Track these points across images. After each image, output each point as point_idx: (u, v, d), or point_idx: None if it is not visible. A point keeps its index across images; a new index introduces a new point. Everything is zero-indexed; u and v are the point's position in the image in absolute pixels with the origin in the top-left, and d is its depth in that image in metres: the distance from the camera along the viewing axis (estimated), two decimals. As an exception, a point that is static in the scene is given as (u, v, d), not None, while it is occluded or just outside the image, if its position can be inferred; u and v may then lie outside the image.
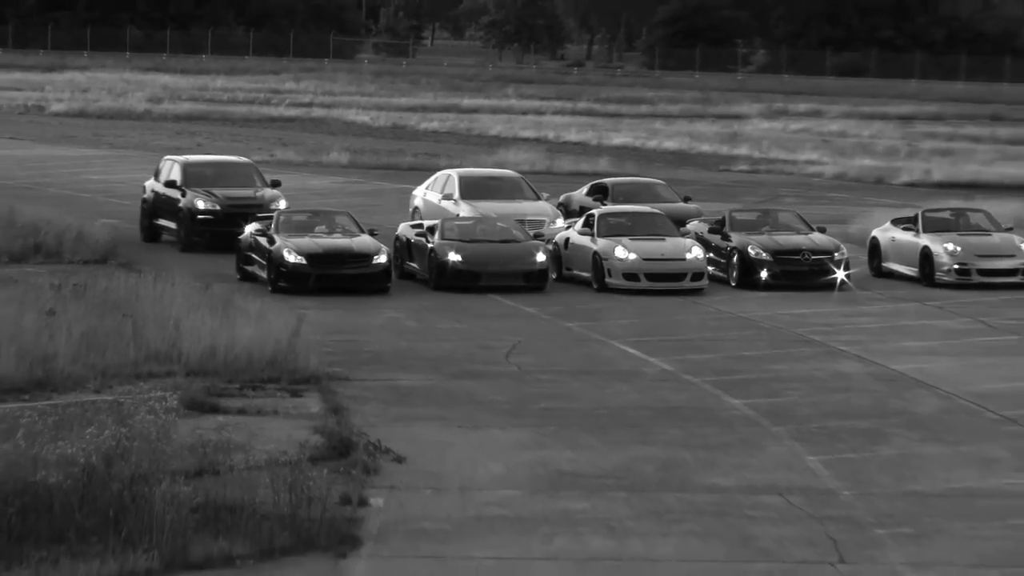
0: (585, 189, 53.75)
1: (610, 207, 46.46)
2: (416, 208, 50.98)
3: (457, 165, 76.41)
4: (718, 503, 25.54)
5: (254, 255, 40.32)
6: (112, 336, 33.93)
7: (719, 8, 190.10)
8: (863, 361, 36.05)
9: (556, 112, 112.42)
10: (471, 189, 49.73)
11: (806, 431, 30.04)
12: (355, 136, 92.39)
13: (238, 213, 44.97)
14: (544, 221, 47.19)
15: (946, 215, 46.16)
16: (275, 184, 49.26)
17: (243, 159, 53.66)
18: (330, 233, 40.92)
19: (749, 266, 42.08)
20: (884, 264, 44.91)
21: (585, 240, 41.36)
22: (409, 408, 31.16)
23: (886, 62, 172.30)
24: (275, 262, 39.15)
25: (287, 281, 38.86)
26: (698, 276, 40.77)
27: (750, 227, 43.55)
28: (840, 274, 41.89)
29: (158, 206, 48.86)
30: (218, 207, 46.69)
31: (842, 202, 64.68)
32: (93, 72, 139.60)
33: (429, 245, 41.23)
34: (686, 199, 52.64)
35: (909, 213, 49.30)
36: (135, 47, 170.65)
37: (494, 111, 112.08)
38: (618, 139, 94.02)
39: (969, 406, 32.23)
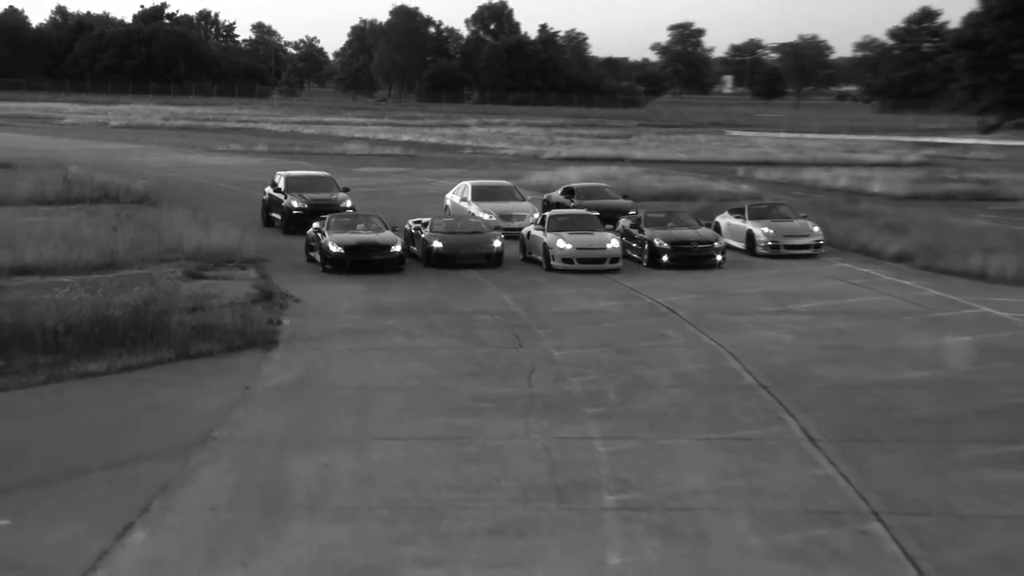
0: (560, 190, 43.45)
1: (557, 211, 35.54)
2: (447, 206, 40.63)
3: (321, 152, 76.46)
4: (459, 319, 25.57)
5: (314, 245, 31.99)
6: (147, 240, 33.37)
7: (455, 70, 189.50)
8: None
9: (373, 124, 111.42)
10: (479, 194, 39.80)
11: (504, 284, 30.16)
12: (270, 137, 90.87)
13: (320, 210, 36.23)
14: (526, 215, 37.45)
15: (763, 207, 36.78)
16: (345, 190, 39.70)
17: (325, 173, 42.59)
18: (364, 230, 31.71)
19: (655, 252, 32.40)
20: (724, 240, 34.59)
21: (539, 233, 32.52)
22: (302, 274, 30.86)
23: (538, 97, 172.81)
24: (323, 252, 30.91)
25: (331, 264, 30.61)
26: (615, 260, 31.63)
27: (658, 223, 33.63)
28: (719, 257, 32.57)
29: (271, 203, 39.76)
30: (306, 206, 37.60)
31: (517, 167, 64.70)
32: (132, 105, 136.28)
33: (422, 236, 32.63)
34: (624, 196, 42.64)
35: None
36: (155, 92, 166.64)
37: (341, 124, 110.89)
38: (405, 137, 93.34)
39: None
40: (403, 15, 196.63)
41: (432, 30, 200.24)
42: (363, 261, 30.73)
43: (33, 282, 27.29)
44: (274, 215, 39.45)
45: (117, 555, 12.77)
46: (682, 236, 32.79)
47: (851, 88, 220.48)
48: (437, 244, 32.06)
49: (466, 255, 32.07)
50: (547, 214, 34.18)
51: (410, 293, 28.49)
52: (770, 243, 34.43)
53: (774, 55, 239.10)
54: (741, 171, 63.82)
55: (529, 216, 37.33)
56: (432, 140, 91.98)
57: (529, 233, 33.49)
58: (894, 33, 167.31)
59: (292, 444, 16.68)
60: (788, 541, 13.19)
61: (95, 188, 46.41)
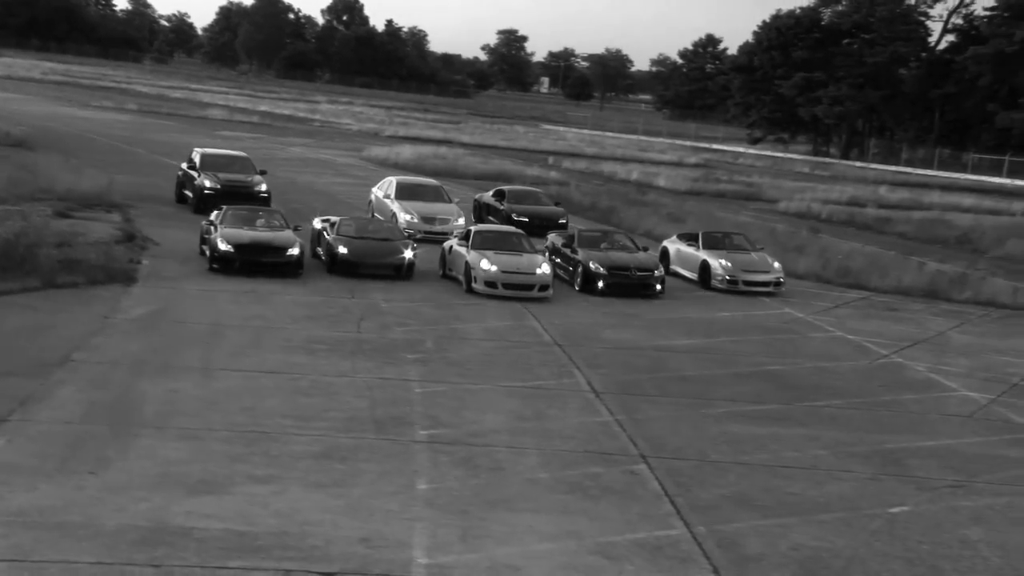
0: (491, 192, 35.55)
1: (483, 226, 26.93)
2: (371, 201, 33.14)
3: (185, 114, 73.97)
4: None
5: (206, 238, 24.57)
6: (21, 180, 31.88)
7: (310, 52, 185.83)
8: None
9: (234, 94, 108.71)
10: (404, 192, 31.86)
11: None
12: (140, 97, 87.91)
13: (233, 191, 30.61)
14: (450, 219, 30.57)
15: (718, 235, 28.73)
16: (262, 173, 32.88)
17: (243, 154, 35.01)
18: (263, 227, 24.47)
19: (590, 277, 25.23)
20: (672, 267, 28.30)
21: (462, 250, 24.68)
22: (163, 220, 29.89)
23: (381, 82, 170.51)
24: (211, 249, 23.83)
25: (218, 264, 23.52)
26: (544, 287, 23.96)
27: (593, 243, 26.45)
28: (658, 287, 25.63)
29: (184, 180, 32.84)
30: (219, 186, 31.17)
31: (360, 141, 63.91)
32: (14, 59, 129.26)
33: (328, 238, 25.24)
34: (556, 203, 35.18)
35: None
36: (36, 48, 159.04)
37: (205, 91, 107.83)
38: (262, 107, 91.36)
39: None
40: (267, 1, 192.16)
41: (292, 16, 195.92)
42: (254, 263, 23.71)
43: (-88, 210, 25.91)
44: (187, 192, 32.93)
45: (-24, 460, 12.21)
46: (620, 261, 25.72)
47: (646, 97, 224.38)
48: (342, 250, 24.67)
49: (372, 264, 24.78)
50: (472, 228, 25.96)
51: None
52: (728, 277, 27.13)
53: (584, 63, 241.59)
54: (551, 159, 64.44)
55: (454, 219, 30.60)
56: (286, 112, 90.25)
57: (451, 248, 25.43)
58: (683, 54, 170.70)
59: (144, 370, 16.18)
60: (569, 476, 13.36)
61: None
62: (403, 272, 24.91)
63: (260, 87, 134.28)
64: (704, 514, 12.48)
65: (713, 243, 28.36)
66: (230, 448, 13.28)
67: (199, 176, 32.13)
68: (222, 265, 23.66)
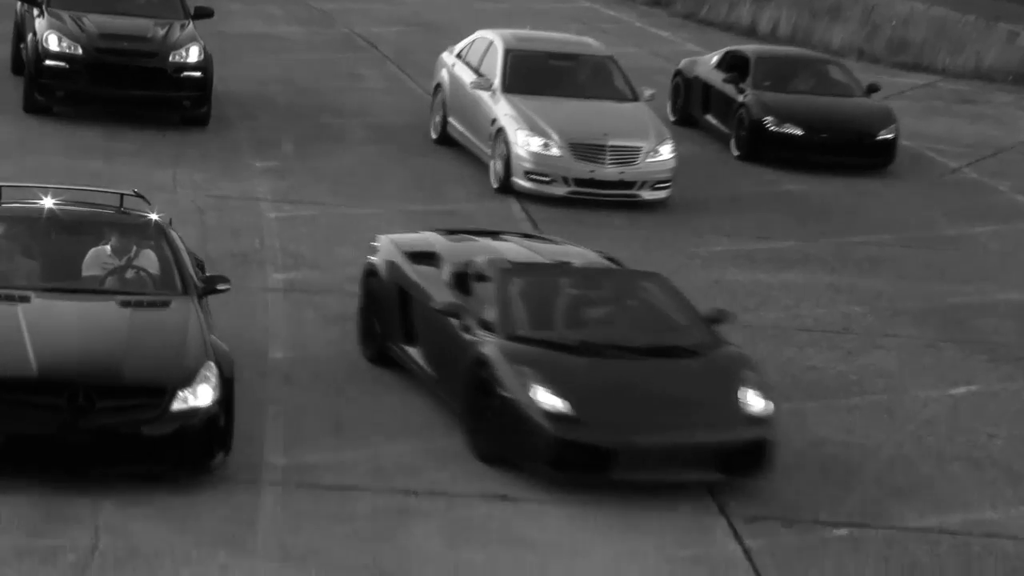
0: (715, 58, 23.04)
1: None
2: (437, 85, 20.49)
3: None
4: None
5: None
6: None
7: None
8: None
9: None
10: (522, 74, 19.12)
11: None
12: None
13: (113, 63, 19.22)
14: (639, 148, 18.48)
15: None
16: (202, 14, 20.71)
17: None
18: (93, 285, 10.93)
19: None
20: None
21: None
22: None
23: None
24: None
25: None
26: None
27: None
28: None
29: (23, 29, 20.64)
30: (79, 51, 19.10)
31: None
32: None
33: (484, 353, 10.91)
34: (871, 88, 22.67)
35: None
36: None
37: None
38: None
39: None
40: None
41: None
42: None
43: None
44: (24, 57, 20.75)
45: None
46: None
47: None
48: (553, 402, 10.60)
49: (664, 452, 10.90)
50: None
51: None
52: None
53: None
54: None
55: (648, 149, 18.47)
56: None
57: None
58: None
59: None
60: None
61: None
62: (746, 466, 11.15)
63: None
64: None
65: None
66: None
67: (43, 16, 20.02)
68: None
